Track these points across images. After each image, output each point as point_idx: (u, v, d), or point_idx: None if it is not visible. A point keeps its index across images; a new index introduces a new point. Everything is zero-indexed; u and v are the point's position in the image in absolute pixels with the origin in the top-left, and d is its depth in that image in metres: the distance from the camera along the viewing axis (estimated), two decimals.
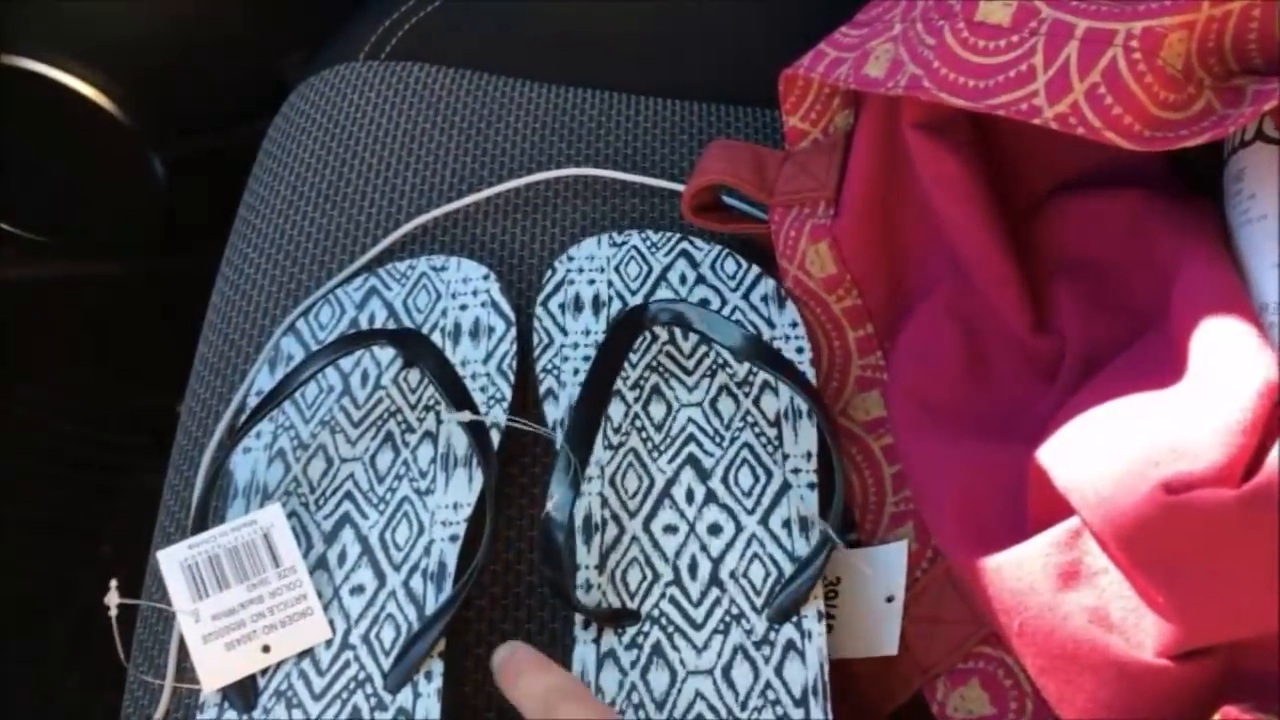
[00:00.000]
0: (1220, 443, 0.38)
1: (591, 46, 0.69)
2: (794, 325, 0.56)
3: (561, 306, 0.56)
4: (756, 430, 0.53)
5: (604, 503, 0.51)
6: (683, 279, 0.57)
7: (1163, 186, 0.49)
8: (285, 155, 0.66)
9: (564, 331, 0.55)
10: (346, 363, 0.55)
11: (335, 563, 0.50)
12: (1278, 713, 0.39)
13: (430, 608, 0.49)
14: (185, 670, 0.52)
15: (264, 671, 0.48)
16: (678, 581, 0.50)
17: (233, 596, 0.49)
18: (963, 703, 0.48)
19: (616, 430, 0.53)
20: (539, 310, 0.55)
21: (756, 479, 0.52)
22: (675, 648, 0.48)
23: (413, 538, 0.50)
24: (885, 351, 0.55)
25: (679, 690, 0.47)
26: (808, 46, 0.56)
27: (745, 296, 0.57)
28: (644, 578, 0.50)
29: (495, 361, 0.54)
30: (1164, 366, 0.42)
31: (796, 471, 0.52)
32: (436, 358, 0.52)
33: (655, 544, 0.50)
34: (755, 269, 0.58)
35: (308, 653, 0.49)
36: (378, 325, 0.56)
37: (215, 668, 0.48)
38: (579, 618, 0.49)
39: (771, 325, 0.56)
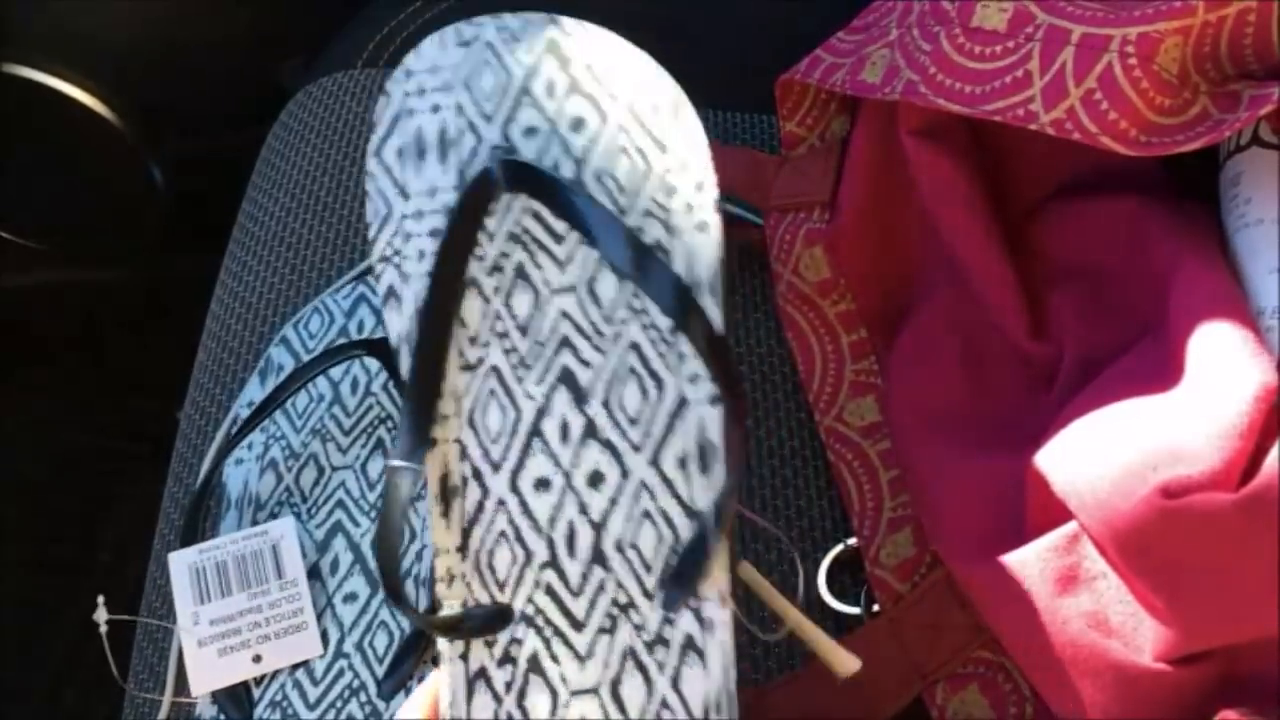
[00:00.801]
0: (1218, 447, 0.38)
1: None
2: (694, 146, 0.41)
3: (400, 153, 0.42)
4: (646, 320, 0.40)
5: (463, 453, 0.39)
6: (550, 88, 0.42)
7: (1159, 191, 0.49)
8: (284, 163, 0.66)
9: (404, 194, 0.41)
10: (336, 371, 0.55)
11: (328, 571, 0.50)
12: (1278, 715, 0.38)
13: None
14: (185, 681, 0.52)
15: (259, 681, 0.48)
16: (554, 562, 0.39)
17: (233, 604, 0.49)
18: (962, 707, 0.48)
19: (474, 341, 0.40)
20: (371, 165, 0.42)
21: (645, 395, 0.39)
22: (554, 658, 0.39)
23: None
24: (879, 356, 0.55)
25: (562, 718, 0.38)
26: (805, 52, 0.56)
27: (631, 106, 0.42)
28: (514, 559, 0.39)
29: None
30: (1161, 371, 0.42)
31: (694, 380, 0.39)
32: None
33: (526, 509, 0.39)
34: (648, 62, 0.43)
35: (302, 662, 0.48)
36: (366, 333, 0.56)
37: (206, 673, 0.48)
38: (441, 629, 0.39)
39: (663, 149, 0.41)
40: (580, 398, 0.40)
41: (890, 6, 0.53)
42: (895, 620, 0.50)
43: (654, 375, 0.40)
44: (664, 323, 0.40)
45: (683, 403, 0.40)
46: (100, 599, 0.47)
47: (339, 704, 0.47)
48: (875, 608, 0.52)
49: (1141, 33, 0.42)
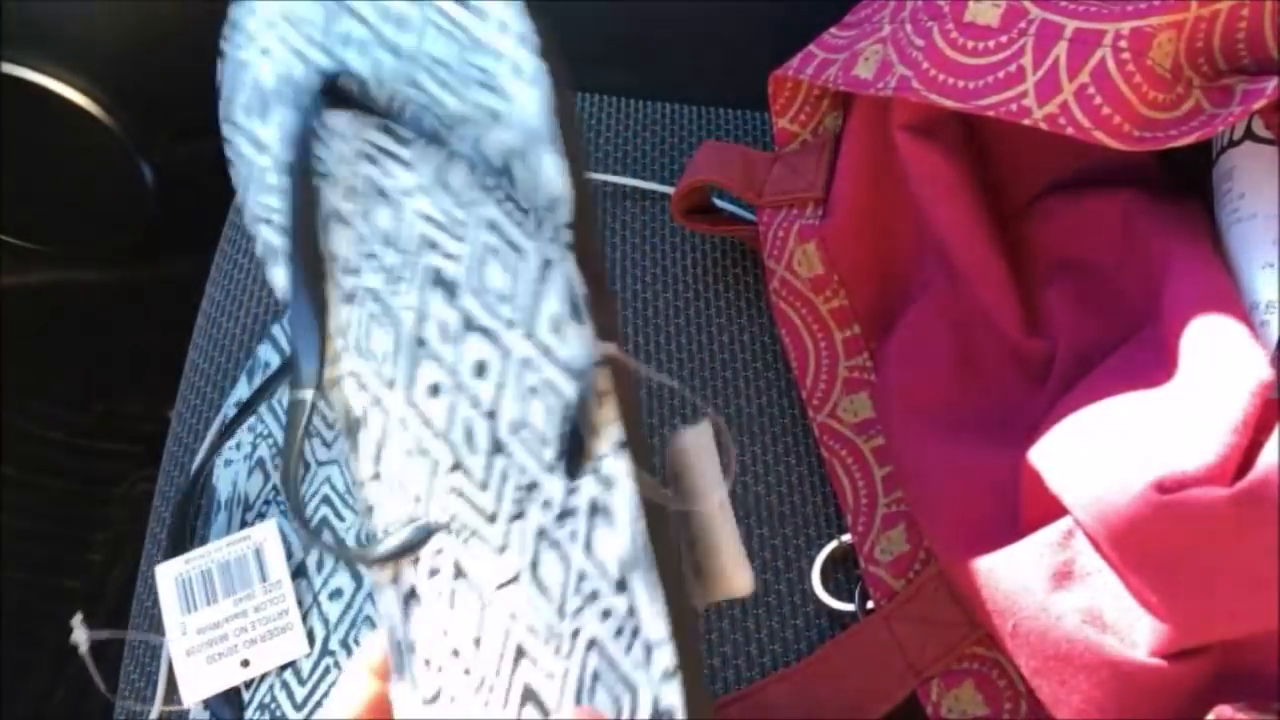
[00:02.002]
0: (1212, 442, 0.38)
1: (581, 50, 0.69)
2: (509, 4, 0.39)
3: (247, 109, 0.40)
4: (498, 195, 0.38)
5: (360, 384, 0.39)
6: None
7: (1153, 186, 0.49)
8: None
9: (259, 147, 0.40)
10: None
11: (314, 569, 0.49)
12: (1274, 711, 0.38)
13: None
14: (176, 685, 0.51)
15: (248, 684, 0.48)
16: (458, 464, 0.38)
17: (219, 611, 0.49)
18: (957, 704, 0.48)
19: (347, 270, 0.39)
20: (226, 130, 0.40)
21: (508, 269, 0.38)
22: (475, 557, 0.37)
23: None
24: (872, 353, 0.55)
25: (487, 617, 0.37)
26: (797, 48, 0.56)
27: None
28: (422, 471, 0.38)
29: None
30: (1155, 366, 0.42)
31: (554, 238, 0.37)
32: None
33: (425, 420, 0.38)
34: None
35: (289, 662, 0.48)
36: None
37: (196, 681, 0.48)
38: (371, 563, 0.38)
39: (482, 15, 0.39)
40: (452, 292, 0.38)
41: (883, 2, 0.53)
42: (889, 616, 0.50)
43: (514, 246, 0.38)
44: (506, 184, 0.38)
45: (547, 264, 0.38)
46: (77, 618, 0.45)
47: (326, 702, 0.47)
48: (870, 604, 0.52)
49: (1135, 27, 0.42)
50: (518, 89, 0.38)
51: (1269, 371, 0.39)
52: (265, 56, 0.40)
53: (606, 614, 0.36)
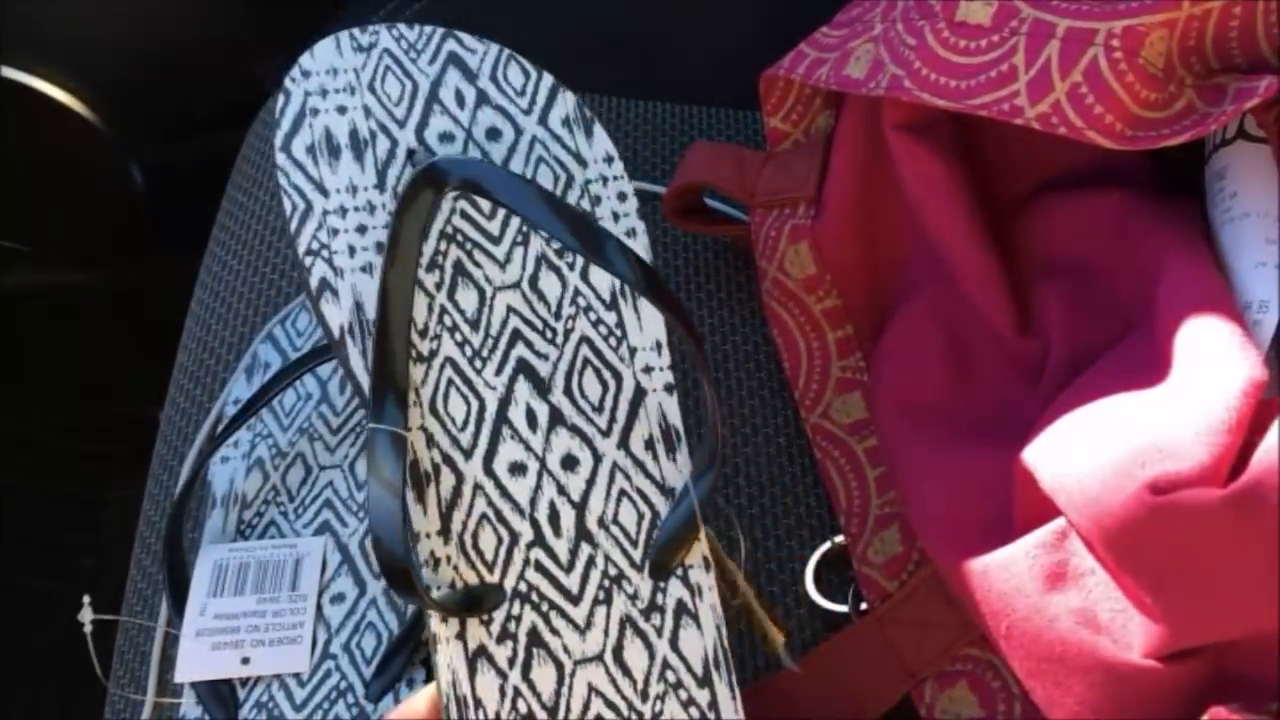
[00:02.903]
0: (1206, 442, 0.37)
1: (573, 49, 0.69)
2: (609, 160, 0.45)
3: (311, 150, 0.43)
4: (593, 317, 0.43)
5: (430, 441, 0.41)
6: (460, 98, 0.45)
7: (1146, 185, 0.49)
8: (263, 161, 0.66)
9: (323, 191, 0.43)
10: (325, 369, 0.54)
11: (302, 571, 0.49)
12: (1269, 713, 0.38)
13: (411, 614, 0.48)
14: (166, 683, 0.51)
15: (244, 682, 0.48)
16: (540, 541, 0.40)
17: (241, 604, 0.49)
18: (951, 705, 0.47)
19: (424, 334, 0.42)
20: (280, 160, 0.43)
21: (605, 386, 0.42)
22: (555, 631, 0.39)
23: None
24: (865, 353, 0.55)
25: (569, 687, 0.39)
26: (789, 47, 0.56)
27: (543, 121, 0.45)
28: (500, 540, 0.40)
29: None
30: (1149, 366, 0.41)
31: (649, 371, 0.42)
32: None
33: (504, 491, 0.40)
34: (548, 78, 0.46)
35: None
36: None
37: (193, 662, 0.48)
38: (434, 613, 0.39)
39: (583, 162, 0.45)
40: (542, 388, 0.42)
41: (874, 1, 0.53)
42: (883, 618, 0.50)
43: (609, 367, 0.42)
44: (610, 318, 0.43)
45: (640, 392, 0.42)
46: (86, 599, 0.46)
47: (326, 705, 0.47)
48: (863, 606, 0.51)
49: (1127, 26, 0.42)
50: (619, 237, 0.42)
51: (1262, 371, 0.38)
52: (342, 115, 0.44)
53: (689, 704, 0.39)
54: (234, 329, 0.60)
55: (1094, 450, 0.40)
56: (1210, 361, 0.39)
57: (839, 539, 0.53)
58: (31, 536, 0.97)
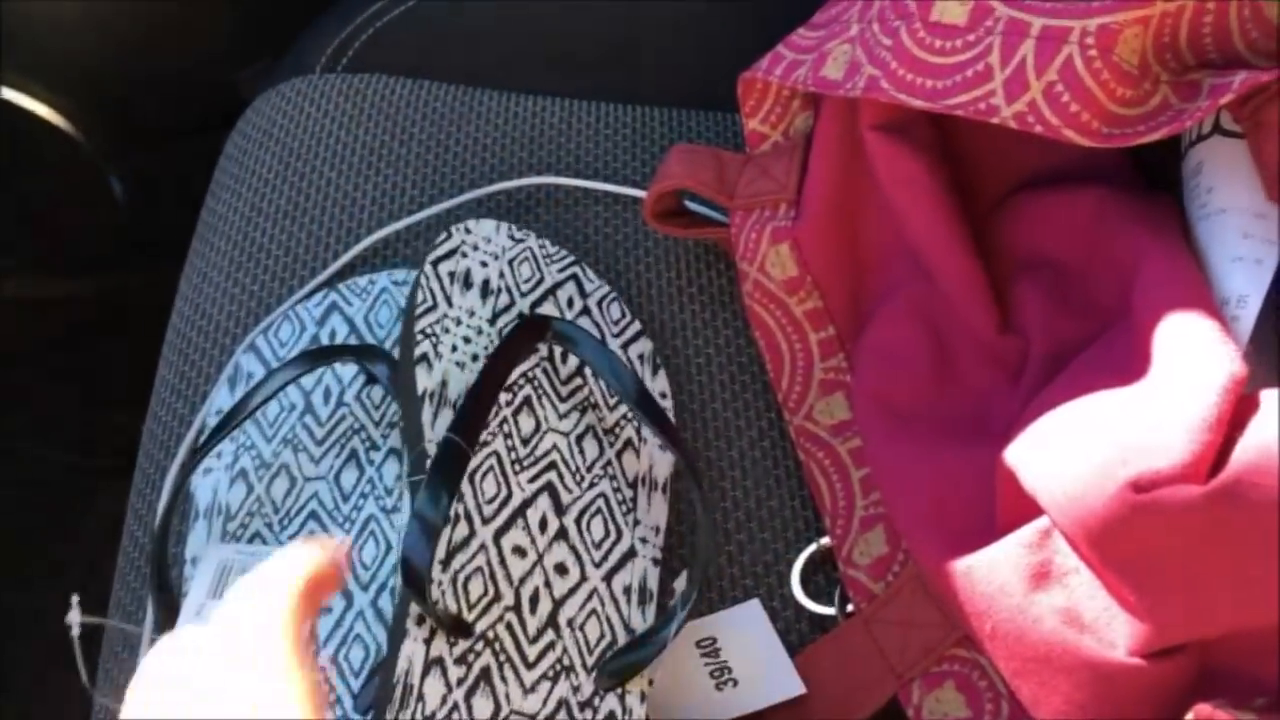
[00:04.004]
0: (1186, 439, 0.37)
1: (551, 53, 0.69)
2: (664, 395, 0.56)
3: (451, 275, 0.53)
4: (615, 485, 0.52)
5: (460, 497, 0.48)
6: (570, 302, 0.56)
7: (1123, 182, 0.49)
8: (242, 171, 0.65)
9: (449, 301, 0.52)
10: (308, 380, 0.54)
11: None
12: (1255, 709, 0.38)
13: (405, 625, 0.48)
14: None
15: None
16: (518, 609, 0.47)
17: None
18: (938, 706, 0.47)
19: (484, 427, 0.50)
20: (428, 268, 0.53)
21: (608, 534, 0.51)
22: (504, 679, 0.46)
23: (380, 556, 0.49)
24: (848, 354, 0.55)
25: None
26: (766, 49, 0.56)
27: (625, 347, 0.56)
28: (485, 593, 0.47)
29: None
30: (1128, 364, 0.41)
31: (644, 541, 0.51)
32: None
33: (503, 561, 0.48)
34: (638, 324, 0.58)
35: None
36: (339, 341, 0.55)
37: None
38: (414, 612, 0.45)
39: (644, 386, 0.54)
40: (559, 508, 0.50)
41: (850, 2, 0.53)
42: (869, 619, 0.50)
43: (615, 523, 0.51)
44: (628, 493, 0.52)
45: (631, 552, 0.51)
46: (75, 598, 0.47)
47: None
48: (849, 608, 0.51)
49: (1101, 24, 0.42)
50: (651, 446, 0.54)
51: (1241, 367, 0.39)
52: (483, 267, 0.55)
53: None
54: (214, 340, 0.59)
55: (1075, 449, 0.40)
56: (1189, 358, 0.39)
57: (825, 541, 0.53)
58: (13, 549, 0.97)
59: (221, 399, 0.55)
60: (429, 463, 0.45)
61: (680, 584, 0.49)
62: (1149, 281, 0.43)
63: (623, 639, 0.49)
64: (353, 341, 0.56)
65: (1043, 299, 0.49)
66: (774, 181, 0.56)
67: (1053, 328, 0.48)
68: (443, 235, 0.54)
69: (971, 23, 0.45)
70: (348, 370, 0.54)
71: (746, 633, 0.51)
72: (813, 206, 0.54)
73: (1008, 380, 0.50)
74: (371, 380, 0.54)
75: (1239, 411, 0.38)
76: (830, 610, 0.52)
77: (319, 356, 0.52)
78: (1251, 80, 0.40)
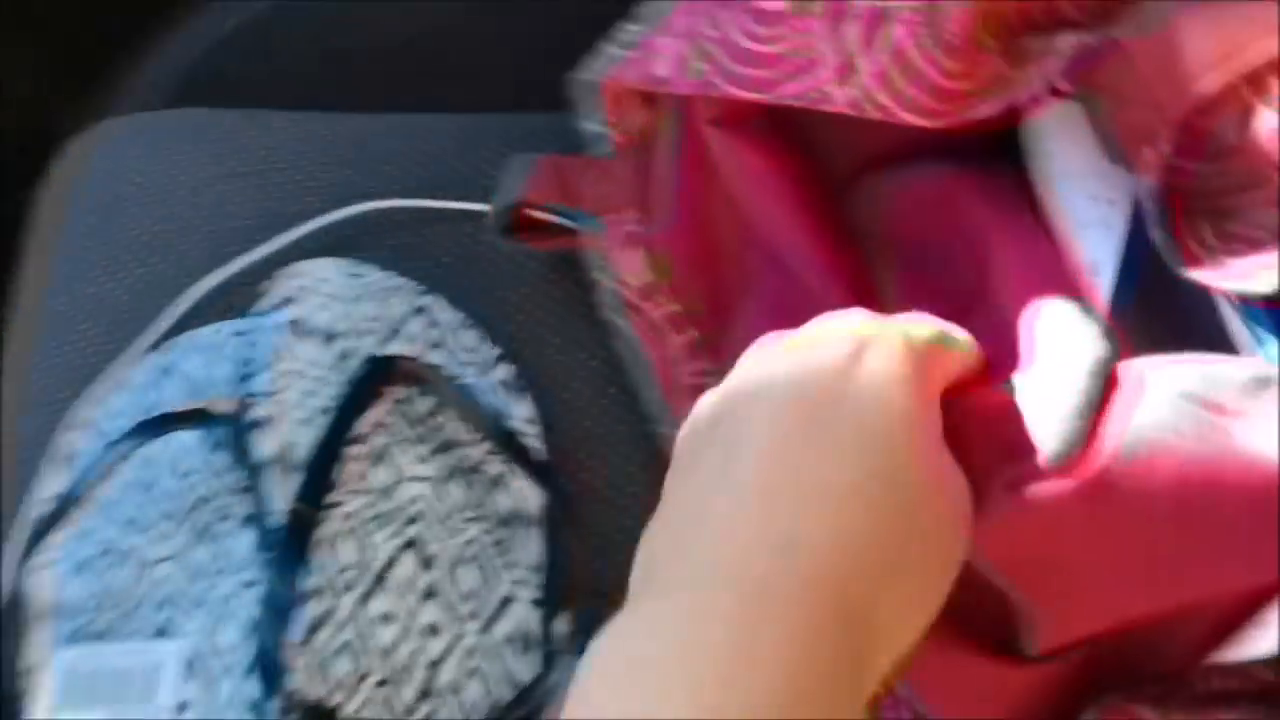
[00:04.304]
0: (1055, 431, 0.36)
1: (379, 69, 0.66)
2: (530, 421, 0.54)
3: (293, 324, 0.52)
4: (486, 527, 0.50)
5: (316, 569, 0.47)
6: (420, 336, 0.54)
7: (971, 155, 0.48)
8: (57, 226, 0.62)
9: (287, 356, 0.51)
10: (148, 451, 0.51)
11: (159, 680, 0.46)
12: (1148, 697, 0.37)
13: (270, 714, 0.46)
14: None
15: None
16: (389, 683, 0.46)
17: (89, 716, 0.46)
18: None
19: (335, 488, 0.49)
20: (261, 322, 0.52)
21: (482, 582, 0.49)
22: None
23: (241, 638, 0.47)
24: (712, 357, 0.53)
25: None
26: (597, 43, 0.54)
27: (483, 376, 0.54)
28: (353, 669, 0.45)
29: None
30: (992, 352, 0.40)
31: (522, 584, 0.49)
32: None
33: (368, 633, 0.46)
34: (496, 350, 0.55)
35: None
36: (177, 405, 0.52)
37: None
38: (277, 702, 0.44)
39: (507, 417, 0.53)
40: (426, 562, 0.48)
41: None
42: None
43: (489, 569, 0.49)
44: (503, 533, 0.50)
45: (509, 597, 0.49)
46: None
47: None
48: None
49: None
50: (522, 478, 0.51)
51: (1104, 348, 0.37)
52: (321, 311, 0.53)
53: None
54: (41, 417, 0.56)
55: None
56: (1053, 344, 0.38)
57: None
58: None
59: (52, 483, 0.51)
60: (277, 537, 0.44)
61: (563, 625, 0.47)
62: (1002, 263, 0.42)
63: (508, 694, 0.47)
64: (193, 403, 0.52)
65: (903, 284, 0.48)
66: (619, 184, 0.55)
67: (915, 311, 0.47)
68: (275, 282, 0.52)
69: (794, 7, 0.44)
70: (191, 435, 0.51)
71: None
72: (660, 208, 0.53)
73: None
74: (217, 445, 0.51)
75: (1107, 395, 0.37)
76: None
77: (156, 426, 0.50)
78: (1080, 46, 0.39)
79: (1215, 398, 0.36)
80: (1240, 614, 0.37)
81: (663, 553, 0.33)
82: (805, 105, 0.43)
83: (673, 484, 0.35)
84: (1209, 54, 0.37)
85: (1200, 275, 0.39)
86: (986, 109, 0.41)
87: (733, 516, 0.32)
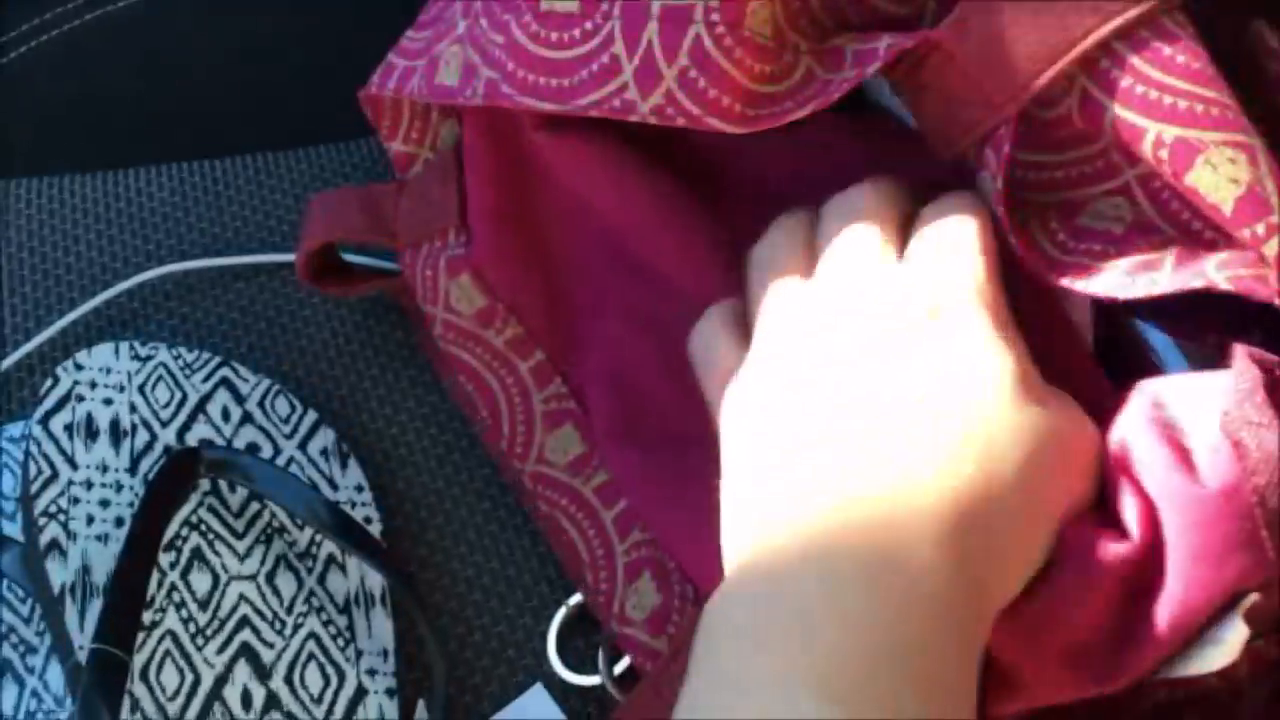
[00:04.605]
0: None
1: (148, 117, 0.60)
2: (360, 489, 0.50)
3: (69, 429, 0.46)
4: (324, 617, 0.46)
5: (135, 705, 0.42)
6: (225, 414, 0.50)
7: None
8: None
9: (72, 464, 0.46)
10: None
11: None
12: None
13: None
14: None
15: None
16: None
17: None
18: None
19: (149, 605, 0.44)
20: (37, 430, 0.46)
21: (327, 681, 0.45)
22: None
23: None
24: (565, 377, 0.50)
25: None
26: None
27: (302, 447, 0.50)
28: None
29: None
30: None
31: (373, 673, 0.45)
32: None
33: None
34: (313, 415, 0.51)
35: None
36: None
37: None
38: None
39: (334, 486, 0.49)
40: (262, 672, 0.44)
41: None
42: (658, 683, 0.44)
43: (334, 664, 0.45)
44: (342, 621, 0.46)
45: (361, 691, 0.45)
46: None
47: None
48: (617, 669, 0.46)
49: None
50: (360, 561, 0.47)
51: None
52: (107, 406, 0.47)
53: None
54: None
55: None
56: None
57: (574, 600, 0.48)
58: None
59: None
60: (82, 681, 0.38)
61: (423, 714, 0.43)
62: None
63: None
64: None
65: None
66: (435, 207, 0.51)
67: None
68: (48, 383, 0.47)
69: (586, 9, 0.40)
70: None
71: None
72: (481, 226, 0.50)
73: None
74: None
75: None
76: (595, 680, 0.47)
77: None
78: (897, 46, 0.36)
79: None
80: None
81: None
82: (606, 115, 0.39)
83: None
84: (1036, 44, 0.34)
85: (1069, 283, 0.36)
86: (800, 112, 0.37)
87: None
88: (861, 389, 0.34)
